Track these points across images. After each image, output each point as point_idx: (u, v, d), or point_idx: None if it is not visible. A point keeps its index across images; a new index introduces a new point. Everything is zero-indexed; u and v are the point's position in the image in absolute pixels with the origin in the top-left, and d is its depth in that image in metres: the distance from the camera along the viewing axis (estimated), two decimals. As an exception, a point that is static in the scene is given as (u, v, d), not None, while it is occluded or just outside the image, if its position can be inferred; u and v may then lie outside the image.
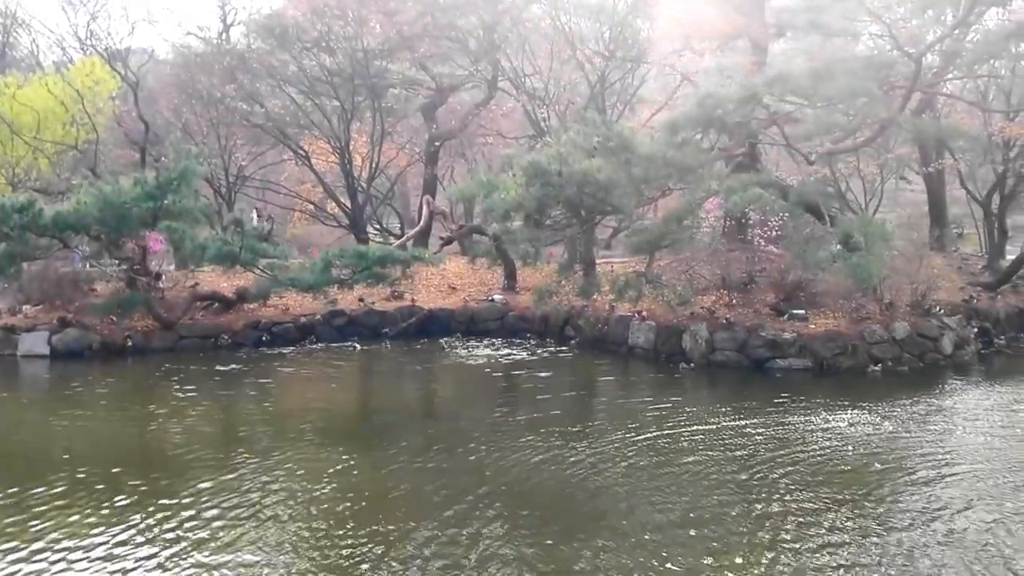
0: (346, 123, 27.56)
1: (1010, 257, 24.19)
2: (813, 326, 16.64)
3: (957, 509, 8.56)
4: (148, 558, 7.53)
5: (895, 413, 12.66)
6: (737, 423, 12.24)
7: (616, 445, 11.13)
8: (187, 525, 8.30)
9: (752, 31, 21.46)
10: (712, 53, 23.86)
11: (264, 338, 19.73)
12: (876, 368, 15.78)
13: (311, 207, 32.74)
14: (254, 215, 29.57)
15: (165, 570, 7.31)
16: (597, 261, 21.45)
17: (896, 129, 20.44)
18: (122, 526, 8.27)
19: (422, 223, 24.73)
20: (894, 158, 28.68)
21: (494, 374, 16.86)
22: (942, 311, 17.18)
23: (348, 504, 8.87)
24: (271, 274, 18.88)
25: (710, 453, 10.75)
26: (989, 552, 7.52)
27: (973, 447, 10.93)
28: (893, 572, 7.16)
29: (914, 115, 20.42)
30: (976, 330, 17.85)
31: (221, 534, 8.05)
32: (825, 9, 17.74)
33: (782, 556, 7.53)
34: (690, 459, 10.49)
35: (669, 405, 13.64)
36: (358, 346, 19.25)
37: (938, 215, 28.99)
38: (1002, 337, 18.88)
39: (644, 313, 18.25)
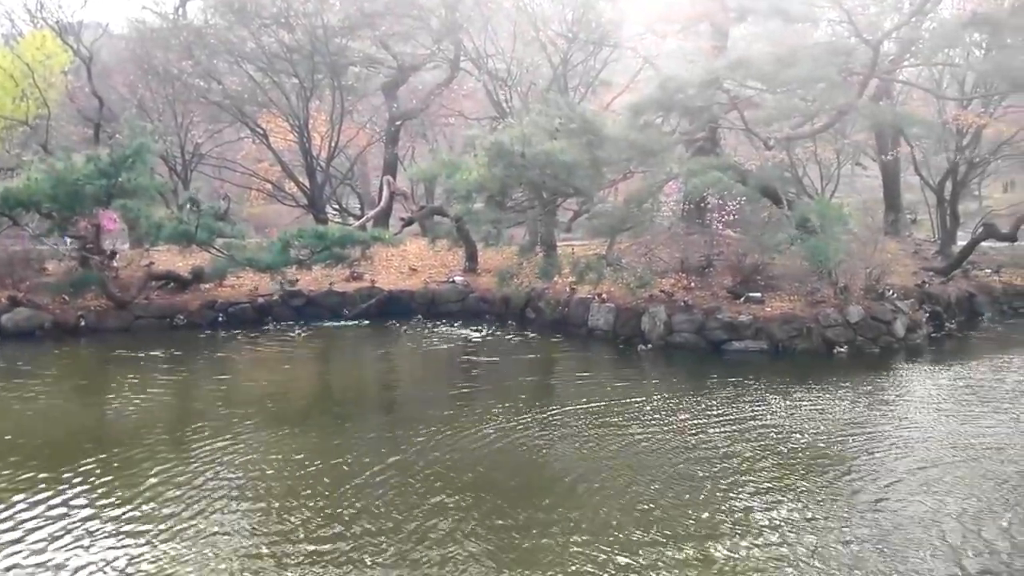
0: (305, 101, 27.19)
1: (961, 243, 24.70)
2: (769, 309, 16.86)
3: (906, 488, 8.77)
4: (86, 542, 7.43)
5: (848, 394, 12.92)
6: (698, 402, 12.39)
7: (585, 424, 11.23)
8: (136, 511, 8.20)
9: (714, 15, 21.58)
10: (674, 36, 23.99)
11: (220, 319, 19.50)
12: (842, 350, 16.04)
13: (269, 186, 32.32)
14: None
15: (106, 561, 7.20)
16: (558, 243, 21.51)
17: (854, 115, 20.67)
18: (63, 507, 8.15)
19: (382, 204, 24.54)
20: (851, 144, 29.10)
21: (454, 355, 16.85)
22: (895, 295, 17.49)
23: (303, 489, 8.79)
24: (228, 254, 18.64)
25: (660, 432, 10.88)
26: (930, 526, 7.73)
27: (922, 426, 11.18)
28: (834, 554, 7.32)
29: (871, 102, 20.67)
30: (928, 314, 18.20)
31: (164, 519, 7.95)
32: (785, -6, 17.89)
33: (735, 538, 7.66)
34: (638, 433, 10.69)
35: (626, 385, 13.78)
36: (301, 333, 18.91)
37: (893, 201, 29.53)
38: (953, 321, 19.27)
39: (604, 295, 18.36)
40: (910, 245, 25.95)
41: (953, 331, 18.62)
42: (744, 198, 17.98)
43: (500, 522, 7.92)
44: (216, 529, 7.76)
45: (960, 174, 26.51)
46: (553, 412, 11.98)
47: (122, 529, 7.72)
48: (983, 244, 22.96)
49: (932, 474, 9.22)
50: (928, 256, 24.53)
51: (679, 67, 17.15)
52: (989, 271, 22.97)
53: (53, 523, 7.82)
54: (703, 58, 20.06)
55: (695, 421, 11.42)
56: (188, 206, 18.90)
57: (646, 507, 8.27)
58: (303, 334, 18.55)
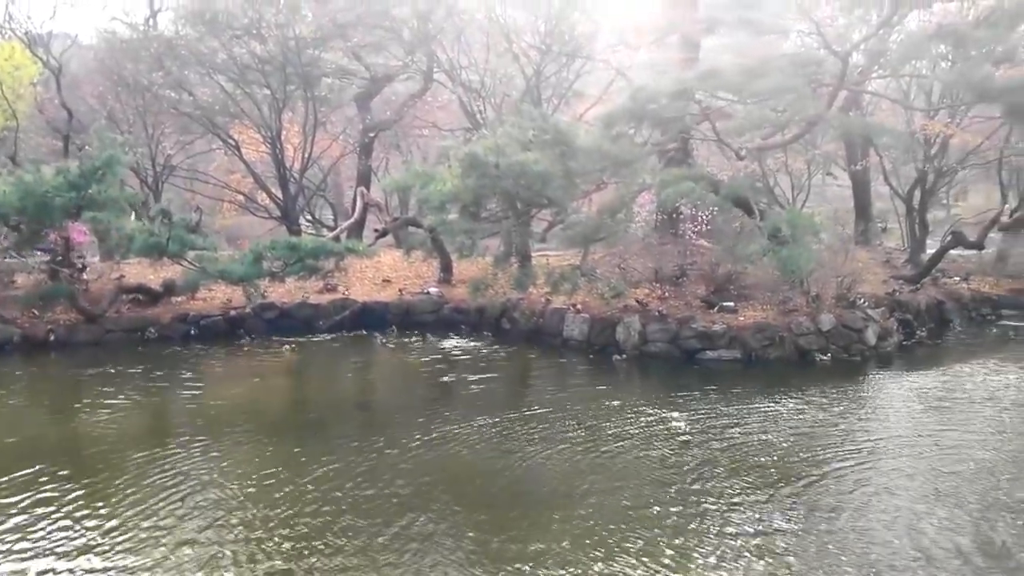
0: (277, 112, 27.05)
1: (930, 251, 25.04)
2: (742, 318, 16.99)
3: (873, 492, 8.90)
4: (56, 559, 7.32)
5: (820, 402, 13.05)
6: (665, 412, 12.47)
7: (558, 433, 11.25)
8: (103, 526, 8.10)
9: (684, 27, 21.76)
10: (646, 48, 24.16)
11: (192, 331, 19.29)
12: (825, 358, 16.20)
13: (241, 198, 32.09)
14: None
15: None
16: (533, 254, 21.53)
17: (823, 126, 20.92)
18: (30, 524, 8.00)
19: (356, 215, 24.43)
20: (821, 154, 29.48)
21: (428, 367, 16.78)
22: (866, 303, 17.69)
23: (277, 504, 8.73)
24: (199, 266, 18.47)
25: (636, 440, 10.96)
26: (901, 528, 7.81)
27: (893, 433, 11.32)
28: (810, 554, 7.37)
29: (841, 112, 20.92)
30: (898, 322, 18.40)
31: (135, 535, 7.86)
32: (755, 6, 18.07)
33: (703, 540, 7.69)
34: (617, 445, 10.74)
35: (600, 395, 13.84)
36: (290, 347, 18.73)
37: (863, 210, 29.90)
38: (923, 329, 19.52)
39: (579, 306, 18.40)
40: (880, 254, 26.26)
41: (923, 339, 18.85)
42: (716, 208, 18.12)
43: (471, 534, 7.91)
44: (181, 540, 7.71)
45: (928, 183, 26.88)
46: (527, 422, 11.97)
47: (90, 544, 7.61)
48: (952, 252, 23.31)
49: (899, 481, 9.34)
50: (898, 264, 24.83)
51: (651, 78, 17.24)
52: (958, 279, 23.30)
53: (15, 535, 7.69)
54: (674, 69, 20.19)
55: (676, 429, 11.47)
56: (159, 218, 18.72)
57: (621, 517, 8.28)
58: (290, 348, 18.33)
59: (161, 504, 8.64)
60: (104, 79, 27.63)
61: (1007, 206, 25.44)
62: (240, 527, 8.07)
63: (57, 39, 29.34)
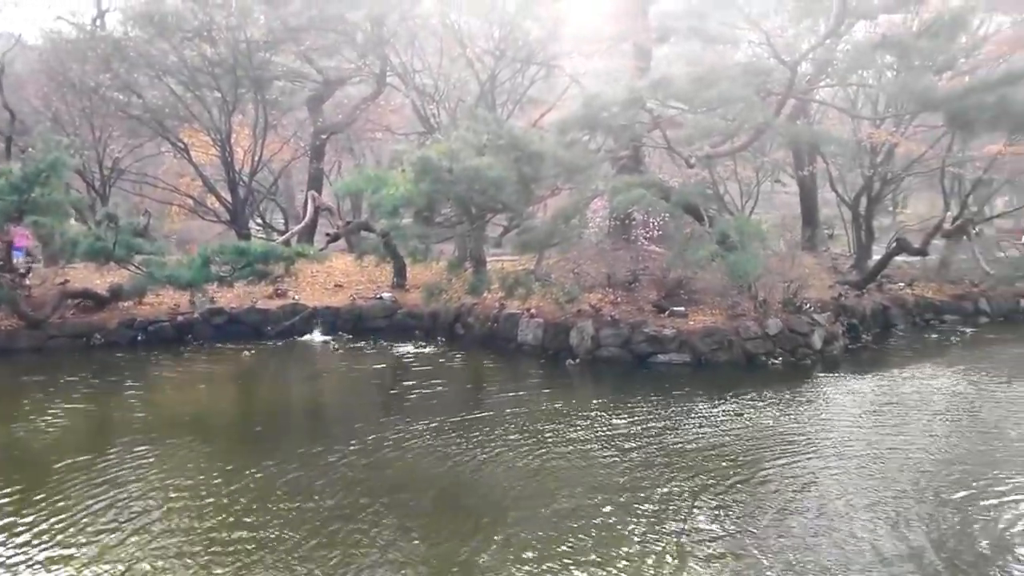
0: (228, 115, 26.72)
1: (876, 257, 25.57)
2: (692, 322, 17.19)
3: (820, 491, 9.05)
4: None
5: (760, 405, 13.28)
6: (611, 415, 12.57)
7: (500, 438, 11.24)
8: (42, 538, 7.92)
9: (637, 35, 21.97)
10: (599, 56, 24.35)
11: (139, 337, 18.97)
12: (777, 361, 16.45)
13: (190, 201, 31.59)
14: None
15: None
16: (488, 259, 21.54)
17: (772, 134, 21.25)
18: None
19: (307, 219, 24.16)
20: (770, 162, 29.99)
21: (379, 372, 16.70)
22: (812, 308, 18.02)
23: (204, 513, 8.58)
24: (147, 271, 18.11)
25: (578, 444, 11.04)
26: (822, 529, 7.98)
27: (828, 436, 11.56)
28: (767, 555, 7.49)
29: (789, 121, 21.30)
30: (844, 326, 18.77)
31: (55, 547, 7.69)
32: (706, 16, 18.34)
33: (631, 542, 7.76)
34: (558, 449, 10.79)
35: (549, 399, 13.89)
36: (249, 352, 18.43)
37: (810, 216, 30.44)
38: (868, 333, 19.93)
39: (533, 310, 18.45)
40: (826, 259, 26.76)
41: (868, 343, 19.24)
42: (668, 215, 18.33)
43: (416, 539, 7.87)
44: (99, 550, 7.58)
45: (874, 190, 27.46)
46: (479, 427, 11.95)
47: (31, 557, 7.43)
48: (896, 258, 23.83)
49: (844, 478, 9.57)
50: (844, 270, 25.33)
51: (604, 86, 17.38)
52: (902, 284, 23.85)
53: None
54: (627, 77, 20.37)
55: (619, 432, 11.56)
56: (106, 222, 18.32)
57: (570, 520, 8.33)
58: (249, 352, 18.06)
59: (84, 514, 8.43)
60: (49, 80, 27.02)
61: (949, 213, 26.09)
62: (163, 535, 7.91)
63: (0, 38, 28.64)
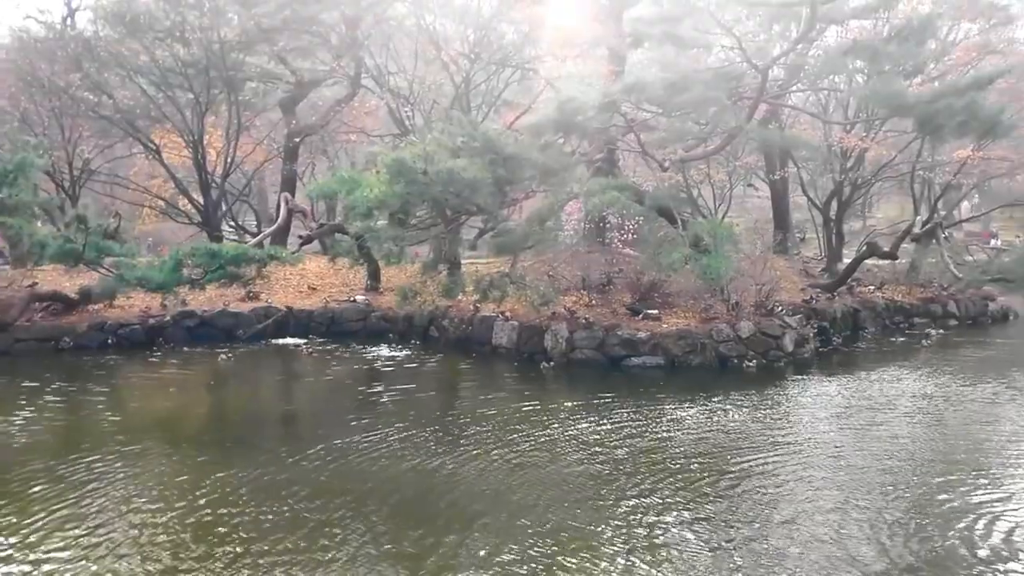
0: (200, 116, 26.48)
1: (846, 260, 25.86)
2: (666, 325, 17.28)
3: (790, 490, 9.15)
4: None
5: (735, 407, 13.41)
6: (582, 419, 12.64)
7: (472, 441, 11.25)
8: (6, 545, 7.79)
9: (610, 40, 22.08)
10: (574, 60, 24.44)
11: (109, 341, 18.72)
12: (752, 364, 16.58)
13: (162, 203, 31.30)
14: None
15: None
16: (462, 261, 21.51)
17: (744, 138, 21.47)
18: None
19: (280, 221, 23.98)
20: (742, 166, 30.28)
21: (351, 376, 16.61)
22: (784, 311, 18.18)
23: (160, 520, 8.48)
24: (117, 273, 17.92)
25: (547, 448, 11.08)
26: (779, 534, 8.07)
27: (804, 436, 11.73)
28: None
29: (761, 125, 21.50)
30: (815, 329, 18.95)
31: (29, 559, 7.57)
32: (679, 21, 18.43)
33: (591, 548, 7.80)
34: (527, 454, 10.80)
35: (522, 402, 13.90)
36: (228, 357, 18.11)
37: (782, 220, 30.75)
38: (839, 336, 20.13)
39: (508, 313, 18.46)
40: (798, 263, 27.02)
41: (839, 345, 19.44)
42: (642, 218, 18.42)
43: (388, 546, 7.84)
44: (49, 558, 7.49)
45: (844, 195, 27.82)
46: (451, 431, 11.95)
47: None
48: (866, 261, 24.11)
49: (811, 480, 9.71)
50: (815, 273, 25.58)
51: (579, 89, 17.43)
52: (872, 287, 24.12)
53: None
54: (602, 81, 20.47)
55: (592, 436, 11.60)
56: (75, 224, 18.10)
57: (539, 524, 8.34)
58: (227, 356, 17.86)
59: (39, 521, 8.31)
60: (17, 79, 26.67)
61: (919, 217, 26.46)
62: (126, 544, 7.80)
63: (-34, 37, 28.25)
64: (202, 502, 8.94)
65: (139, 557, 7.55)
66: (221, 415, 14.05)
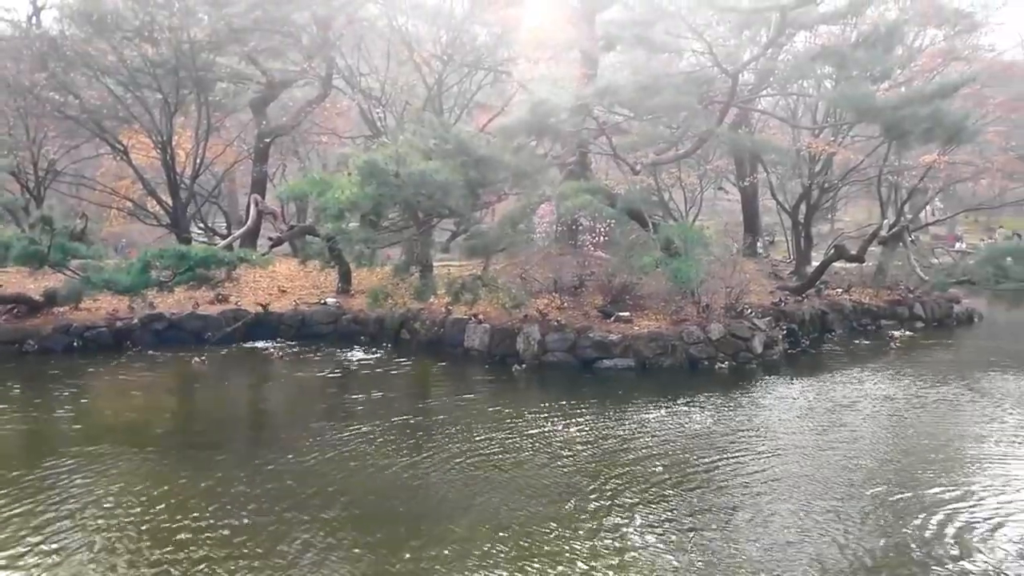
0: (169, 117, 26.16)
1: (815, 263, 26.12)
2: (637, 328, 17.36)
3: (751, 494, 9.25)
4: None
5: (704, 409, 13.53)
6: (552, 421, 12.69)
7: (441, 444, 11.25)
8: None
9: (583, 43, 22.15)
10: (546, 62, 24.48)
11: (76, 344, 18.47)
12: (723, 366, 16.71)
13: (130, 204, 30.91)
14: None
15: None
16: (434, 264, 21.47)
17: (715, 142, 21.64)
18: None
19: (250, 223, 23.85)
20: (713, 169, 30.49)
21: (321, 379, 16.48)
22: (753, 313, 18.34)
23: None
24: (83, 275, 17.68)
25: (515, 450, 11.13)
26: (743, 533, 8.15)
27: (775, 435, 11.86)
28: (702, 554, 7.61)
29: (731, 129, 21.69)
30: (784, 331, 19.12)
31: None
32: (651, 25, 18.58)
33: (554, 552, 7.83)
34: (495, 456, 10.86)
35: (493, 405, 13.93)
36: (201, 359, 17.86)
37: (751, 223, 31.01)
38: (807, 338, 20.32)
39: (480, 316, 18.45)
40: (767, 266, 27.24)
41: (807, 347, 19.63)
42: (613, 220, 18.50)
43: (349, 552, 7.82)
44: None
45: (813, 198, 28.09)
46: (421, 434, 11.93)
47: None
48: (834, 264, 24.36)
49: (777, 480, 9.86)
50: (784, 276, 25.81)
51: (551, 92, 17.49)
52: (840, 290, 24.36)
53: None
54: (574, 84, 20.55)
55: (559, 439, 11.64)
56: (40, 225, 17.84)
57: (505, 527, 8.36)
58: (203, 359, 17.61)
59: (9, 532, 8.19)
60: (-20, 78, 26.21)
61: (886, 221, 26.78)
62: (80, 551, 7.72)
63: (-71, 34, 27.70)
64: (161, 507, 8.87)
65: (95, 564, 7.46)
66: (186, 420, 13.88)
